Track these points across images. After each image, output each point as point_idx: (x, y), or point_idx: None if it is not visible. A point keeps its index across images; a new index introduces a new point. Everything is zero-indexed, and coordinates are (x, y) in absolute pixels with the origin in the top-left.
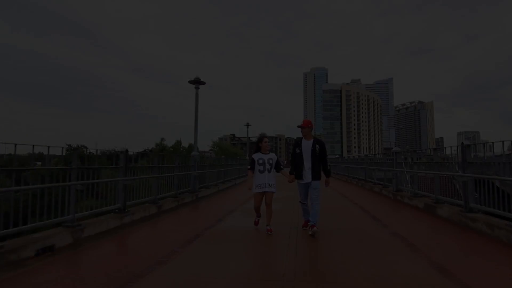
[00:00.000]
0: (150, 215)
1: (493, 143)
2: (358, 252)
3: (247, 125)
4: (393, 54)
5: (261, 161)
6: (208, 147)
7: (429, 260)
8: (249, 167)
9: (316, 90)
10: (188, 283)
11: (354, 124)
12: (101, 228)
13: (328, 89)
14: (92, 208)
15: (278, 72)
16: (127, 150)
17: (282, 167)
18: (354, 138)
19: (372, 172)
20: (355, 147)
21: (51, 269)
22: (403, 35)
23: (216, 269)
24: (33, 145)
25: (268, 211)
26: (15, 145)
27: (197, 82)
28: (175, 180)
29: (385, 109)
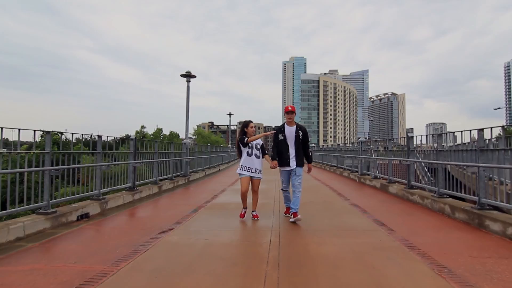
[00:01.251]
0: (153, 193)
1: (454, 133)
2: (325, 214)
3: (230, 114)
4: (369, 45)
5: (250, 145)
6: (188, 134)
7: (373, 218)
8: (246, 139)
9: (294, 79)
10: (207, 230)
11: (331, 115)
12: (119, 202)
13: (306, 79)
14: (111, 185)
15: (258, 60)
16: (136, 138)
17: (266, 152)
18: (330, 128)
19: (343, 159)
20: (331, 136)
21: (95, 228)
22: (379, 27)
23: (222, 223)
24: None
25: (255, 198)
26: None
27: (188, 76)
28: (171, 164)
29: (360, 100)
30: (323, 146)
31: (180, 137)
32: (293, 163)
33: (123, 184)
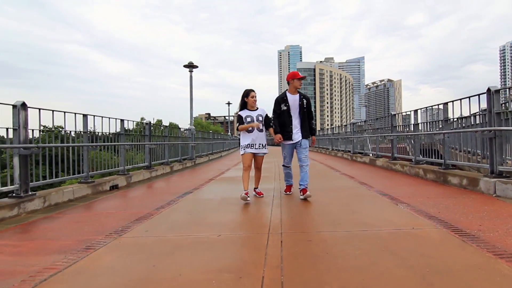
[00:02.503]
0: (166, 172)
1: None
2: (318, 181)
3: (228, 103)
4: (364, 32)
5: (249, 119)
6: (187, 125)
7: (358, 181)
8: (238, 124)
9: (290, 68)
10: (220, 191)
11: (327, 103)
12: (140, 178)
13: (302, 67)
14: (133, 163)
15: (252, 49)
16: (150, 122)
17: (271, 124)
18: (327, 116)
19: (337, 142)
20: (328, 125)
21: (127, 194)
22: (374, 13)
23: (232, 188)
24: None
25: (257, 175)
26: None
27: (190, 66)
28: (179, 148)
29: (356, 87)
30: (319, 132)
31: (180, 128)
32: (297, 135)
33: (141, 163)
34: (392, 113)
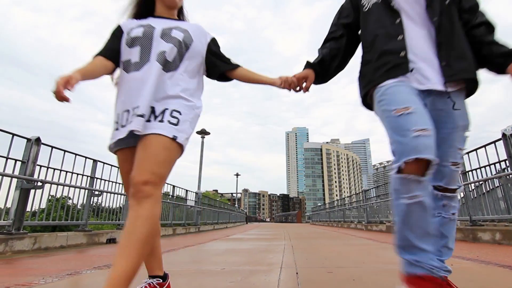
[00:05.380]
0: (168, 235)
1: None
2: (333, 241)
3: (237, 175)
4: (367, 116)
5: (138, 32)
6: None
7: (378, 241)
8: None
9: (297, 148)
10: (226, 246)
11: (336, 182)
12: None
13: (309, 147)
14: None
15: (261, 130)
16: None
17: (232, 63)
18: (336, 195)
19: (349, 211)
20: (337, 205)
21: None
22: None
23: (238, 244)
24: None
25: (135, 225)
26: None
27: (203, 133)
28: (184, 211)
29: (364, 167)
30: (328, 205)
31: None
32: (432, 73)
33: None
34: None
